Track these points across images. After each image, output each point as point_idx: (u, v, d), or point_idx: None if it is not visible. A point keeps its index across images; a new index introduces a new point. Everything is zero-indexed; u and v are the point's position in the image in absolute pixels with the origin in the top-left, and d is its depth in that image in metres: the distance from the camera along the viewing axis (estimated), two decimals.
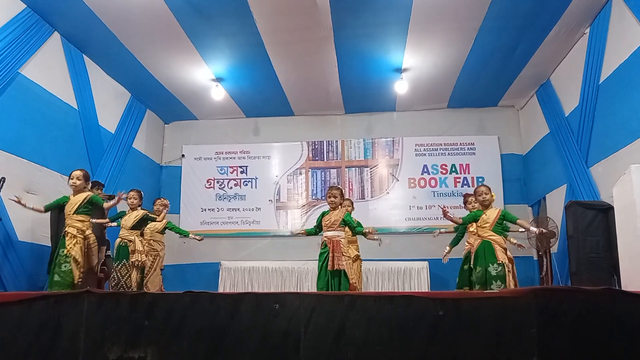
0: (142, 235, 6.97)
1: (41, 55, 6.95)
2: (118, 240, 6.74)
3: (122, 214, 7.00)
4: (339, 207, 5.87)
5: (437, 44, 7.90)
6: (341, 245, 5.63)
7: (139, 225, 6.77)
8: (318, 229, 5.96)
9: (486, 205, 5.78)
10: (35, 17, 6.77)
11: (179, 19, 7.08)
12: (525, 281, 8.78)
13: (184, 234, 7.29)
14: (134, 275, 6.50)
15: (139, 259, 6.51)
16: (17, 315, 3.16)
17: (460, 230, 7.09)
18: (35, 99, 6.88)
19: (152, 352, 2.96)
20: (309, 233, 6.12)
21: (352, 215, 6.60)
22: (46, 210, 5.80)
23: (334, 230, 5.73)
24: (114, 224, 6.82)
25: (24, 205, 5.55)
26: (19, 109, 6.54)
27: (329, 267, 5.54)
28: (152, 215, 6.87)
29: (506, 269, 5.43)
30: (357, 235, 7.20)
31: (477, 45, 7.81)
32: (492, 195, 5.81)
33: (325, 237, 5.75)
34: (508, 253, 5.59)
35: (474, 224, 6.09)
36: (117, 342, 3.00)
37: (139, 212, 6.77)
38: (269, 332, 2.95)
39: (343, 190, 6.12)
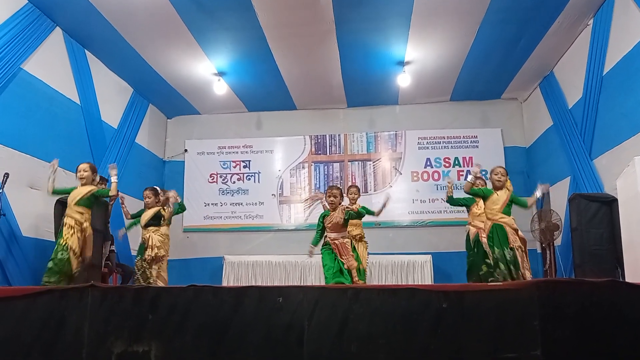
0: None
1: (43, 50, 6.94)
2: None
3: (142, 212, 7.05)
4: (339, 207, 5.83)
5: (440, 37, 7.87)
6: (347, 247, 5.64)
7: (154, 222, 6.79)
8: (322, 232, 5.89)
9: (499, 188, 5.79)
10: (37, 12, 6.77)
11: (181, 14, 7.07)
12: None
13: (182, 209, 7.54)
14: (154, 270, 6.54)
15: (150, 254, 6.54)
16: (21, 310, 3.17)
17: (458, 200, 7.12)
18: (38, 94, 6.88)
19: (156, 345, 2.97)
20: (316, 243, 5.94)
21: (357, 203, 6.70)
22: (53, 193, 5.83)
23: (337, 232, 5.70)
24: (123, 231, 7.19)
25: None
26: (21, 104, 6.54)
27: (346, 268, 5.55)
28: (164, 212, 6.91)
29: (518, 252, 5.45)
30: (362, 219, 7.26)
31: (479, 38, 7.78)
32: (507, 180, 5.83)
33: (329, 238, 5.73)
34: (520, 233, 5.61)
35: (480, 206, 6.11)
36: (121, 336, 3.01)
37: (152, 210, 6.81)
38: (273, 325, 2.95)
39: (342, 191, 6.06)
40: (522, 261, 5.46)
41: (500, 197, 5.71)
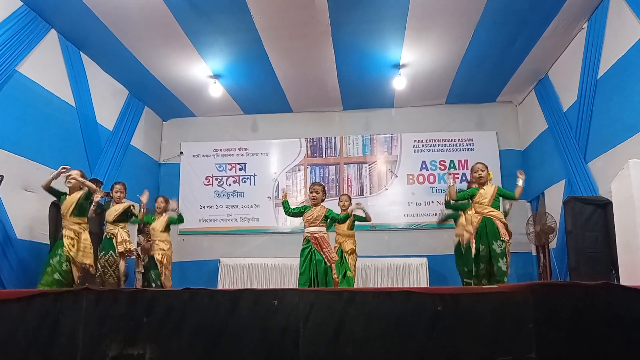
0: (142, 230, 7.01)
1: (38, 52, 6.93)
2: (105, 234, 6.66)
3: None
4: (321, 203, 5.80)
5: (435, 40, 7.88)
6: (327, 239, 5.63)
7: (122, 218, 6.71)
8: (295, 214, 5.84)
9: (482, 183, 5.80)
10: (32, 14, 6.75)
11: (176, 16, 7.06)
12: (524, 277, 8.79)
13: (180, 221, 7.32)
14: (122, 265, 6.48)
15: (127, 247, 6.48)
16: (16, 313, 3.17)
17: (452, 214, 7.19)
18: (33, 96, 6.85)
19: (151, 348, 2.96)
20: (284, 203, 5.82)
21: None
22: (45, 188, 5.78)
23: (315, 226, 5.68)
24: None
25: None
26: (16, 106, 6.52)
27: (328, 263, 5.53)
28: (134, 211, 6.78)
29: (507, 245, 5.47)
30: (354, 230, 7.24)
31: (474, 41, 7.80)
32: (488, 173, 5.84)
33: (308, 232, 5.69)
34: (509, 228, 5.63)
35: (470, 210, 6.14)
36: (115, 339, 3.00)
37: (121, 205, 6.68)
38: (268, 328, 2.95)
39: (325, 187, 6.06)
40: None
41: (487, 191, 5.73)
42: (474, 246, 5.73)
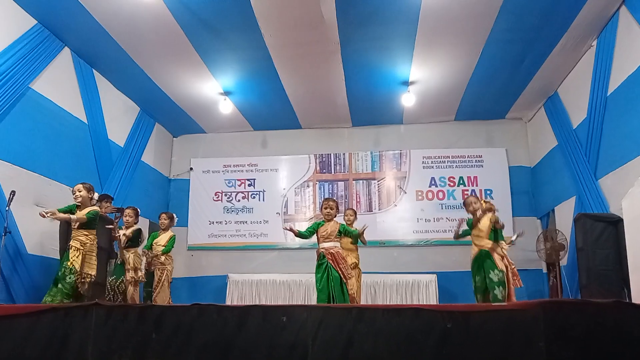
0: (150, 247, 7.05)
1: (51, 70, 7.03)
2: (116, 258, 6.72)
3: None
4: (334, 218, 5.88)
5: (444, 57, 7.92)
6: (342, 255, 5.67)
7: (133, 243, 6.76)
8: (311, 234, 5.89)
9: (481, 214, 5.83)
10: (46, 32, 6.86)
11: (188, 34, 7.15)
12: (535, 294, 8.71)
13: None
14: (130, 290, 6.51)
15: (134, 276, 6.53)
16: (25, 328, 3.18)
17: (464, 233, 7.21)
18: (46, 113, 6.95)
19: None
20: (300, 234, 5.85)
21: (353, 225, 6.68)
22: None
23: (330, 241, 5.72)
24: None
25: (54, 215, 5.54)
26: (29, 123, 6.60)
27: (344, 279, 5.56)
28: (142, 235, 6.90)
29: (505, 276, 5.48)
30: (357, 245, 7.20)
31: (484, 58, 7.82)
32: (482, 203, 5.85)
33: (323, 248, 5.73)
34: (505, 260, 5.65)
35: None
36: (124, 355, 3.00)
37: (130, 230, 6.75)
38: (276, 344, 2.94)
39: (338, 203, 6.12)
40: (508, 286, 5.51)
41: (484, 224, 5.73)
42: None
